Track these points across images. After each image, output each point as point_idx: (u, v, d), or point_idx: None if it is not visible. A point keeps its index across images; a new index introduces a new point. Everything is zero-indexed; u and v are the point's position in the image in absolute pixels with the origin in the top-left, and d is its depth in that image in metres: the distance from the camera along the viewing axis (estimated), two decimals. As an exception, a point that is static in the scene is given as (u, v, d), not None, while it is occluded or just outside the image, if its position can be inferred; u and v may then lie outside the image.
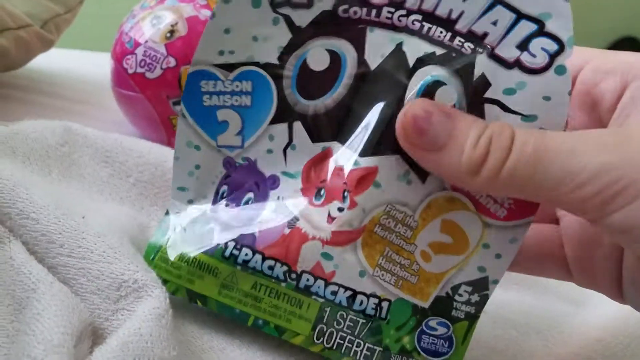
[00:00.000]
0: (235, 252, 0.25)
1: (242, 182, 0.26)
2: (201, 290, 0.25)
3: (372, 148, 0.24)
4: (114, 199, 0.33)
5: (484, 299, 0.25)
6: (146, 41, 0.41)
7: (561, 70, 0.22)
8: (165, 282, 0.25)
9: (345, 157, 0.24)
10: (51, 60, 0.58)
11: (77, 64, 0.65)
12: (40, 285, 0.22)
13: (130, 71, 0.42)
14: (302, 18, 0.24)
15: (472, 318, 0.25)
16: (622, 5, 2.82)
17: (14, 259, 0.24)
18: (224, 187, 0.27)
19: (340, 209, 0.24)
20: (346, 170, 0.24)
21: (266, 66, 0.25)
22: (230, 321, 0.26)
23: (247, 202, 0.26)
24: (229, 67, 0.25)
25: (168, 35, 0.41)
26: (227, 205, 0.26)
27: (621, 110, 0.23)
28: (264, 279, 0.25)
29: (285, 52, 0.24)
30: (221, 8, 0.24)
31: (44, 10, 0.50)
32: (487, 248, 0.25)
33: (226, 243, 0.25)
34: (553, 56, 0.22)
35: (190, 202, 0.27)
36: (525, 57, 0.22)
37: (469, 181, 0.21)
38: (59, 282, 0.23)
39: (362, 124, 0.24)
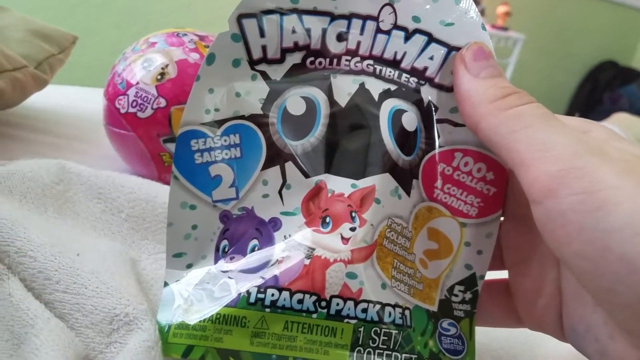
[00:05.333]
0: (261, 295, 0.24)
1: (243, 231, 0.26)
2: (232, 345, 0.25)
3: (364, 170, 0.26)
4: (107, 234, 0.35)
5: (476, 295, 0.28)
6: (137, 82, 0.43)
7: None
8: (190, 349, 0.25)
9: (341, 184, 0.26)
10: (45, 97, 0.60)
11: (69, 100, 0.66)
12: (38, 321, 0.23)
13: (123, 111, 0.44)
14: (277, 72, 0.27)
15: (471, 315, 0.28)
16: (604, 31, 2.90)
17: (12, 296, 0.25)
18: (224, 242, 0.27)
19: (352, 229, 0.25)
20: (347, 194, 0.26)
21: (251, 117, 0.27)
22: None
23: (253, 249, 0.26)
24: (216, 124, 0.26)
25: (159, 77, 0.43)
26: (232, 258, 0.26)
27: None
28: (295, 315, 0.24)
29: (267, 103, 0.27)
30: (205, 70, 0.26)
31: (39, 51, 0.52)
32: (469, 246, 0.28)
33: (248, 290, 0.25)
34: None
35: (189, 266, 0.27)
36: None
37: (482, 108, 0.24)
38: (56, 317, 0.25)
39: (348, 152, 0.26)
